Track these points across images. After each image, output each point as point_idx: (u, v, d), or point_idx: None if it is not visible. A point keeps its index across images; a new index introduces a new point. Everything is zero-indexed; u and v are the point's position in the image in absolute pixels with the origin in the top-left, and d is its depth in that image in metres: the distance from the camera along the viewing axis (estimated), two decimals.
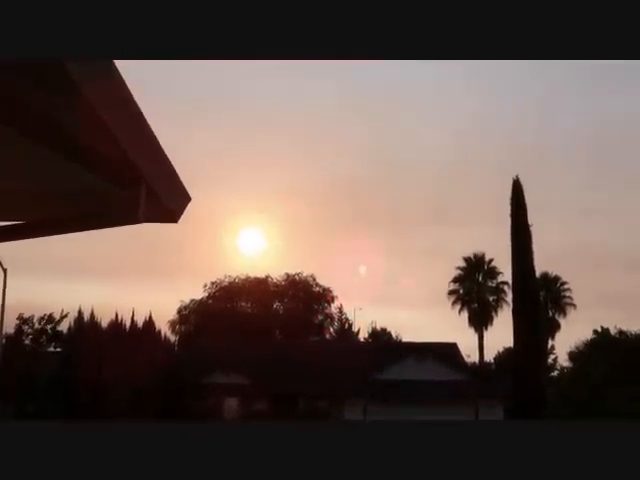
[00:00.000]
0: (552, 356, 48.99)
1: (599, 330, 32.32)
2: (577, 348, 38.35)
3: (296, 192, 65.98)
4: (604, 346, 29.92)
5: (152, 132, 3.05)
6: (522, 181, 38.00)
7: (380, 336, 55.83)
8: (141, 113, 2.87)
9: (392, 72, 59.27)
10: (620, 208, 63.10)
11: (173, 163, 3.39)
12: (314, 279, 55.79)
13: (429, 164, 64.37)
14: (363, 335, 55.66)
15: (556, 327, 50.20)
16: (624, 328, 35.92)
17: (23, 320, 39.20)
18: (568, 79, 60.82)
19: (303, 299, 54.68)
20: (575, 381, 26.72)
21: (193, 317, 53.84)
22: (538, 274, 40.20)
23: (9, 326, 37.48)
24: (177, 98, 60.90)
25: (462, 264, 51.84)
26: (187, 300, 54.56)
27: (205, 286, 55.00)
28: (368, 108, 65.42)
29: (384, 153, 63.69)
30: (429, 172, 65.37)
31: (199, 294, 55.21)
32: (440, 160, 63.92)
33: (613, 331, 34.55)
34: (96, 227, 3.54)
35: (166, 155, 3.30)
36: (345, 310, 55.63)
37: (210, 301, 54.49)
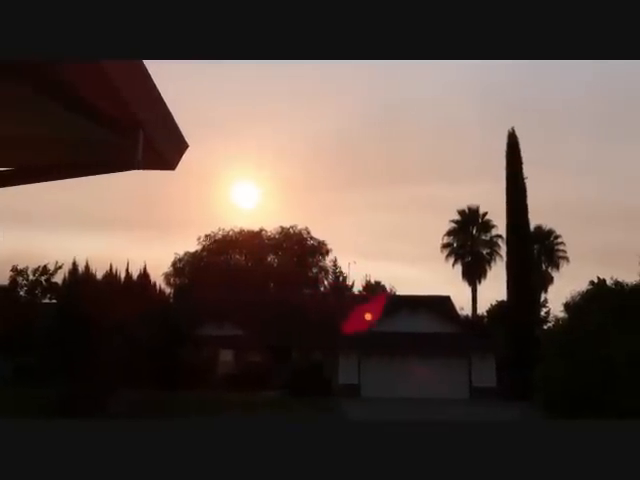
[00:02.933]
0: (545, 309, 49.49)
1: (595, 281, 32.42)
2: (573, 299, 38.60)
3: (291, 146, 65.59)
4: (600, 296, 30.07)
5: (150, 78, 2.99)
6: (519, 136, 37.73)
7: (374, 289, 56.19)
8: (141, 61, 2.80)
9: None
10: (615, 162, 63.02)
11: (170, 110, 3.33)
12: (308, 232, 55.87)
13: (425, 118, 63.86)
14: (357, 288, 56.05)
15: (549, 280, 50.55)
16: (621, 279, 36.08)
17: (17, 272, 39.28)
18: None
19: (297, 252, 54.80)
20: (571, 331, 26.96)
21: (188, 270, 53.97)
22: (532, 227, 40.26)
23: (3, 277, 37.55)
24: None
25: (456, 217, 51.87)
26: (181, 253, 54.63)
27: (199, 239, 55.03)
28: (365, 62, 64.53)
29: (380, 108, 63.10)
30: (425, 127, 64.88)
31: (193, 247, 55.26)
32: (436, 114, 63.40)
33: (609, 282, 34.71)
34: (93, 173, 3.49)
35: (164, 101, 3.25)
36: (339, 264, 55.85)
37: (204, 254, 54.56)
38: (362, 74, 63.61)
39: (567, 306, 37.88)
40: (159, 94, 3.16)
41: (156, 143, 3.29)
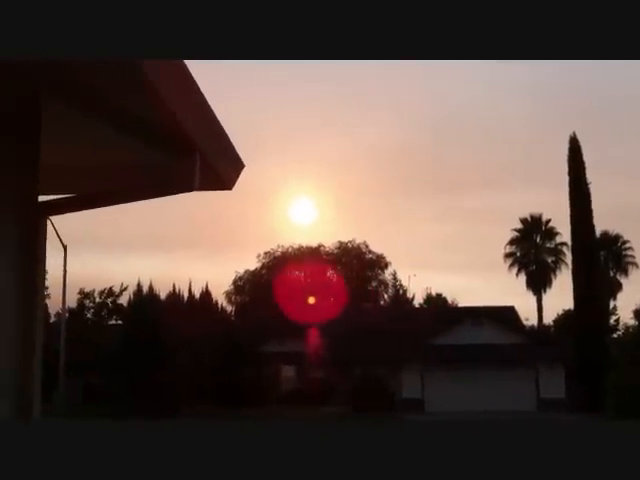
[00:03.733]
0: (614, 317, 47.90)
1: None
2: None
3: (346, 159, 65.70)
4: None
5: (205, 101, 3.02)
6: (581, 140, 36.81)
7: (435, 302, 55.52)
8: (194, 81, 2.84)
9: None
10: None
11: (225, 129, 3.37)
12: (367, 246, 55.67)
13: (481, 126, 63.00)
14: (418, 301, 55.48)
15: (618, 287, 48.96)
16: None
17: (84, 294, 40.42)
18: None
19: (356, 266, 54.66)
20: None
21: (248, 287, 54.49)
22: (598, 233, 39.15)
23: (71, 300, 38.69)
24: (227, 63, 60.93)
25: (519, 226, 50.87)
26: (241, 271, 55.23)
27: (259, 256, 55.54)
28: (416, 70, 64.28)
29: (437, 116, 62.63)
30: (482, 134, 64.03)
31: (253, 264, 55.81)
32: (493, 120, 62.52)
33: None
34: (151, 196, 3.54)
35: (219, 122, 3.28)
36: (399, 276, 55.44)
37: (264, 271, 55.01)
38: (416, 80, 63.37)
39: (637, 313, 36.76)
40: (214, 116, 3.20)
41: (212, 164, 3.32)
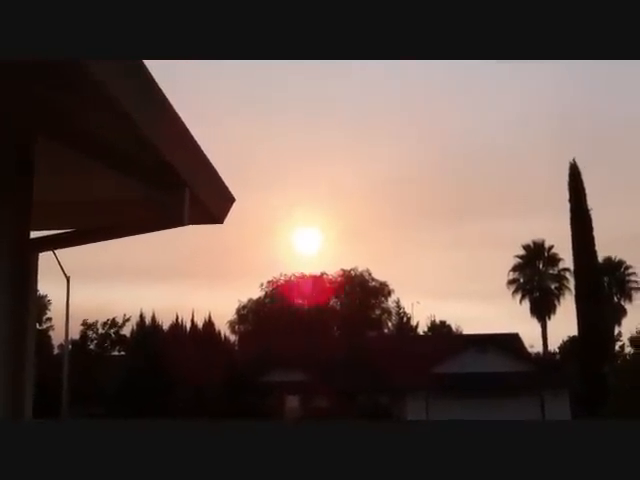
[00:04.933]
0: (619, 343, 47.61)
1: None
2: (638, 333, 37.22)
3: (348, 187, 65.97)
4: None
5: (192, 137, 3.11)
6: (582, 166, 37.04)
7: (439, 329, 55.31)
8: (179, 117, 2.92)
9: (440, 65, 58.60)
10: None
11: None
12: (370, 274, 55.67)
13: (483, 154, 63.37)
14: (422, 329, 55.29)
15: (622, 313, 48.77)
16: None
17: (87, 326, 40.42)
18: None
19: (360, 294, 54.62)
20: (635, 367, 26.06)
21: (251, 316, 54.42)
22: (601, 259, 39.17)
23: (75, 332, 38.67)
24: (229, 94, 61.60)
25: (521, 252, 50.87)
26: (245, 300, 55.21)
27: (262, 285, 55.54)
28: (419, 101, 64.89)
29: (438, 146, 63.01)
30: (483, 162, 64.36)
31: (256, 293, 55.79)
32: (494, 150, 62.87)
33: None
34: (144, 231, 3.62)
35: (207, 159, 3.37)
36: (403, 304, 55.35)
37: (267, 300, 54.98)
38: (420, 110, 63.92)
39: (632, 341, 36.57)
40: (204, 156, 3.30)
41: (202, 200, 3.40)
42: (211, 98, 60.96)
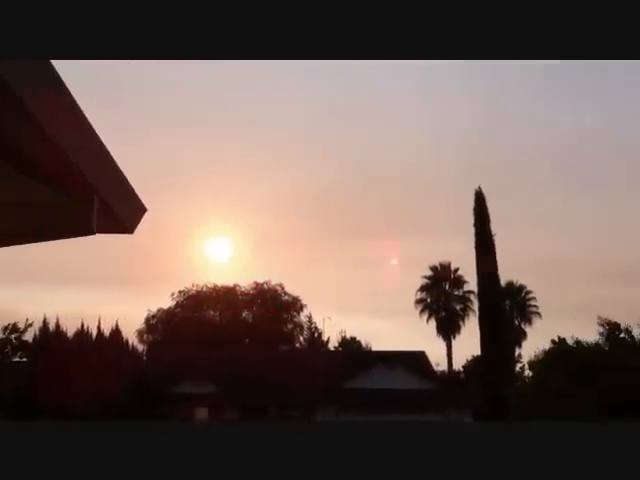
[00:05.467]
0: (519, 364, 49.59)
1: (557, 340, 33.20)
2: (536, 357, 39.09)
3: (265, 201, 66.02)
4: (560, 355, 30.71)
5: (102, 144, 3.08)
6: (486, 192, 38.63)
7: (350, 345, 55.95)
8: (88, 123, 2.90)
9: (358, 88, 59.93)
10: (584, 218, 64.25)
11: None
12: (282, 288, 55.78)
13: (396, 175, 64.86)
14: (333, 344, 55.77)
15: (523, 336, 50.84)
16: (582, 337, 37.06)
17: None
18: (523, 89, 61.89)
19: (272, 308, 54.59)
20: (533, 390, 27.34)
21: (161, 326, 53.39)
22: (503, 283, 40.76)
23: None
24: (149, 103, 60.62)
25: (429, 273, 52.32)
26: (154, 309, 54.13)
27: (173, 295, 54.64)
28: (333, 121, 65.88)
29: (351, 165, 64.10)
30: (397, 183, 65.84)
31: (167, 303, 54.82)
32: (407, 171, 64.48)
33: (570, 341, 35.37)
34: (51, 238, 3.57)
35: (118, 167, 3.34)
36: (314, 319, 55.69)
37: (178, 310, 54.12)
38: (337, 129, 64.81)
39: (531, 365, 38.43)
40: (115, 164, 3.26)
41: (112, 209, 3.38)
42: (128, 105, 59.79)
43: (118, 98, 54.31)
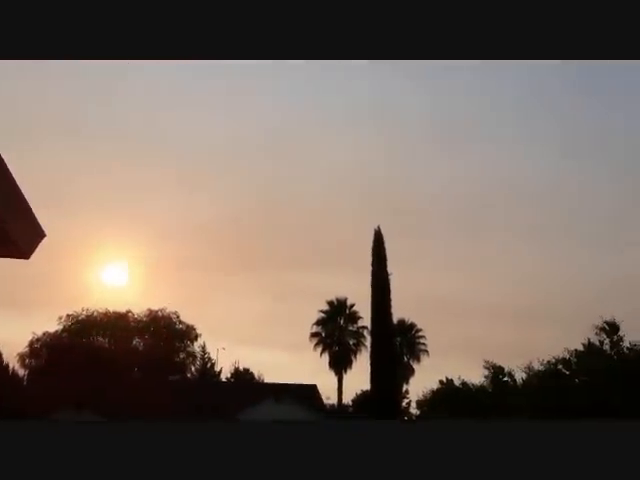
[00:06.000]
0: (406, 400, 50.91)
1: (444, 380, 34.63)
2: (425, 396, 40.32)
3: (165, 229, 65.13)
4: (447, 395, 32.01)
5: (9, 173, 3.18)
6: (390, 231, 40.02)
7: (242, 376, 55.59)
8: None
9: (266, 121, 60.76)
10: (475, 261, 67.22)
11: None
12: (177, 316, 54.86)
13: (300, 209, 65.79)
14: (225, 375, 55.22)
15: (411, 372, 52.29)
16: (468, 376, 38.86)
17: None
18: (428, 138, 64.74)
19: (165, 336, 53.53)
20: None
21: (46, 351, 51.12)
22: (395, 320, 42.01)
23: None
24: (50, 118, 58.78)
25: (325, 307, 53.02)
26: (40, 333, 51.83)
27: (60, 318, 52.56)
28: (241, 152, 66.27)
29: (256, 196, 64.47)
30: (301, 217, 66.77)
31: (53, 327, 52.64)
32: (311, 206, 65.55)
33: (457, 382, 36.89)
34: None
35: (22, 194, 3.42)
36: (208, 349, 55.07)
37: (65, 334, 52.07)
38: (244, 159, 65.13)
39: (419, 403, 39.64)
40: (17, 189, 3.34)
41: (10, 234, 3.45)
42: (31, 122, 57.80)
43: (14, 109, 52.48)
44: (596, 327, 34.96)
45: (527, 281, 63.48)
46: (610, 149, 63.87)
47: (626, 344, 34.42)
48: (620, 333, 34.72)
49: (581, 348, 35.18)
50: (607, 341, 34.83)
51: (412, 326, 52.91)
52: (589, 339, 35.09)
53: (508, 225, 65.07)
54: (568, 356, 35.20)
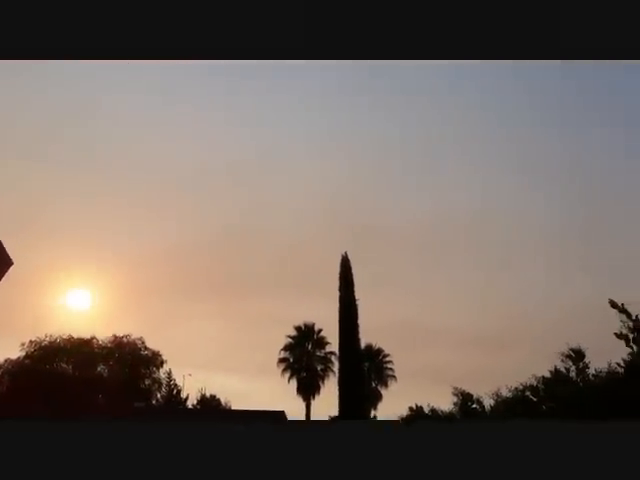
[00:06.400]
0: None
1: (414, 407, 34.78)
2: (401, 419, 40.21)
3: (131, 255, 64.57)
4: (418, 423, 32.12)
5: None
6: (358, 257, 40.30)
7: (209, 403, 54.97)
8: None
9: (232, 148, 61.03)
10: (442, 287, 67.76)
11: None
12: (143, 342, 54.23)
13: (266, 234, 65.75)
14: (192, 401, 54.55)
15: (378, 397, 52.29)
16: (435, 402, 39.04)
17: None
18: (401, 165, 65.54)
19: (130, 362, 52.80)
20: None
21: (7, 378, 50.03)
22: (363, 345, 42.11)
23: None
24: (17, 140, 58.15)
25: (293, 333, 52.91)
26: (1, 359, 50.75)
27: (23, 345, 51.58)
28: (207, 179, 66.28)
29: (222, 222, 64.39)
30: (268, 242, 66.70)
31: (15, 353, 51.60)
32: (278, 230, 65.58)
33: (427, 409, 37.04)
34: None
35: None
36: (174, 375, 54.44)
37: (27, 361, 51.06)
38: (208, 186, 65.05)
39: None
40: None
41: None
42: None
43: None
44: (562, 354, 35.40)
45: (493, 307, 64.22)
46: (570, 177, 65.31)
47: (592, 371, 34.87)
48: (586, 360, 35.18)
49: (548, 374, 35.55)
50: (573, 368, 35.26)
51: (379, 351, 53.06)
52: (556, 366, 35.50)
53: (473, 251, 65.92)
54: (535, 383, 35.52)
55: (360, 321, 38.70)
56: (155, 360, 54.07)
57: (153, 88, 59.40)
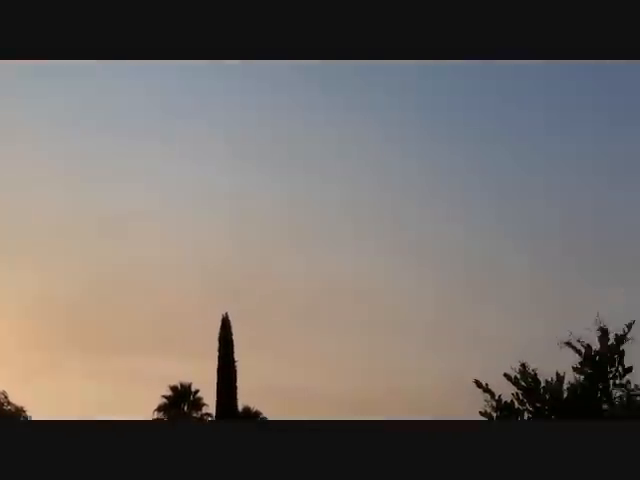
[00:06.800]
0: None
1: None
2: None
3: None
4: None
5: None
6: (239, 318, 40.57)
7: None
8: None
9: (108, 201, 60.56)
10: (319, 353, 68.62)
11: None
12: (6, 397, 51.41)
13: (143, 291, 64.52)
14: None
15: None
16: None
17: None
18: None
19: None
20: None
21: None
22: (241, 408, 41.93)
23: None
24: None
25: (169, 393, 51.83)
26: None
27: None
28: (78, 231, 64.87)
29: (100, 276, 62.75)
30: (144, 300, 65.37)
31: None
32: (154, 289, 64.52)
33: None
34: None
35: None
36: None
37: None
38: (81, 239, 63.58)
39: None
40: None
41: None
42: None
43: None
44: None
45: (368, 374, 65.61)
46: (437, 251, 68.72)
47: None
48: None
49: None
50: None
51: (257, 414, 52.72)
52: None
53: (351, 319, 67.47)
54: None
55: (239, 383, 38.72)
56: (20, 415, 51.24)
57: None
